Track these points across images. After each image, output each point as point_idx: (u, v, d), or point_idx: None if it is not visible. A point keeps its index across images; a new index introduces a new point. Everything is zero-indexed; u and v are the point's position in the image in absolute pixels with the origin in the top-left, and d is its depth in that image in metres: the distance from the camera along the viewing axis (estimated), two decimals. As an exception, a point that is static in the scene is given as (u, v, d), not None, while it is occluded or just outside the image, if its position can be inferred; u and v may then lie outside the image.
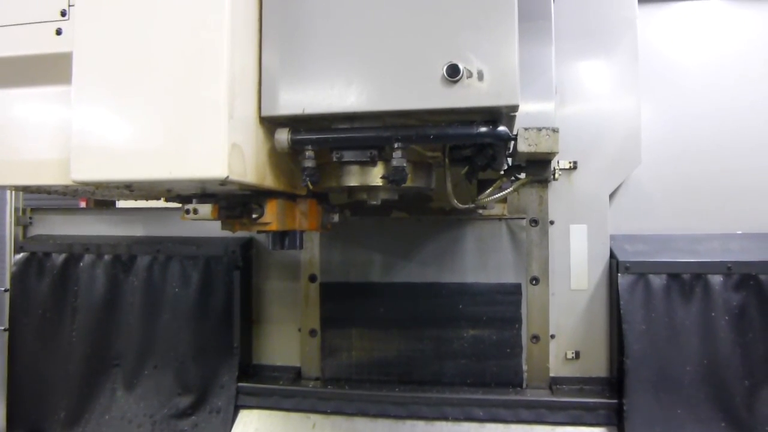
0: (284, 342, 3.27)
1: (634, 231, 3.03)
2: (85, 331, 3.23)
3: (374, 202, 2.14)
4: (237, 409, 3.04)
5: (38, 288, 3.30)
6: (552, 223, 3.00)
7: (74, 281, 3.28)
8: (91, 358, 3.21)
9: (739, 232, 2.95)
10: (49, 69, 1.90)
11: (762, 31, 3.01)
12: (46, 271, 3.30)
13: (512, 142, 2.00)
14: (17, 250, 3.37)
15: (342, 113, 1.77)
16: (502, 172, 2.33)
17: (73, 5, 1.86)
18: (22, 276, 3.31)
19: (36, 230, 3.57)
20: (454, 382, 3.02)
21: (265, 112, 1.81)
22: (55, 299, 3.28)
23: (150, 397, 3.13)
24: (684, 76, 3.06)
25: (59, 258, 3.30)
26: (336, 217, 2.56)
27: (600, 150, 2.96)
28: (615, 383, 2.87)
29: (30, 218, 3.58)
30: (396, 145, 1.81)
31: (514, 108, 1.72)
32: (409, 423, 2.87)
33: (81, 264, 3.28)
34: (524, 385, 2.98)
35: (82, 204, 4.60)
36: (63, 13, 1.89)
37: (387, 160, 1.90)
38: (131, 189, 1.92)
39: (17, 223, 3.53)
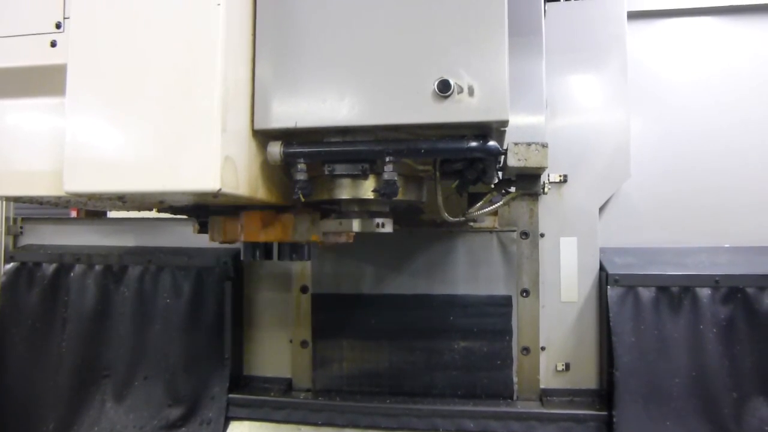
0: (275, 353, 3.27)
1: (623, 244, 3.06)
2: (75, 341, 3.22)
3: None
4: (227, 420, 3.03)
5: (28, 298, 3.28)
6: (542, 235, 3.02)
7: (65, 291, 3.27)
8: (81, 368, 3.20)
9: (727, 245, 2.98)
10: (44, 80, 1.91)
11: (750, 48, 3.05)
12: (36, 281, 3.29)
13: (502, 157, 2.02)
14: (7, 260, 3.36)
15: (334, 127, 1.79)
16: (492, 186, 2.34)
17: (68, 18, 1.88)
18: (11, 286, 3.30)
19: (26, 240, 3.56)
20: (444, 394, 3.02)
21: (258, 125, 1.82)
22: (45, 309, 3.26)
23: (140, 408, 3.11)
24: (673, 92, 3.10)
25: (50, 268, 3.29)
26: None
27: (590, 164, 2.99)
28: (605, 395, 2.88)
29: (21, 228, 3.58)
30: (387, 159, 1.82)
31: (504, 123, 1.74)
32: (399, 434, 2.87)
33: (71, 274, 3.27)
34: (515, 397, 2.99)
35: (73, 214, 4.58)
36: (58, 26, 1.91)
37: (378, 174, 1.91)
38: (124, 200, 1.93)
39: (7, 232, 3.53)
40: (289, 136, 1.86)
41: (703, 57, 3.09)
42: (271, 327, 3.29)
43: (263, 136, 1.87)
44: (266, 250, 2.41)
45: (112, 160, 1.70)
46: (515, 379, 3.00)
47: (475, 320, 3.02)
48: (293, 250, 2.39)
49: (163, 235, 3.39)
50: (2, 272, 3.34)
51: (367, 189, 1.98)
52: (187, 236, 3.27)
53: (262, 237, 2.20)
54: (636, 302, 2.77)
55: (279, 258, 2.41)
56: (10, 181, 1.98)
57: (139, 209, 2.72)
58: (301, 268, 3.19)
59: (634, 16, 3.05)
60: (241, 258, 2.40)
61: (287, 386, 3.20)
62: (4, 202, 3.47)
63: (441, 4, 1.72)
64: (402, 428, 2.87)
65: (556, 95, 3.00)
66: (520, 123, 2.56)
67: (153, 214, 3.02)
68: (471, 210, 2.46)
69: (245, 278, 3.30)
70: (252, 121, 1.82)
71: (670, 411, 2.68)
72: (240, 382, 3.23)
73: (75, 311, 3.24)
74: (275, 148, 1.85)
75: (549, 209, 3.02)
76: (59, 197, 1.94)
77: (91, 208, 3.19)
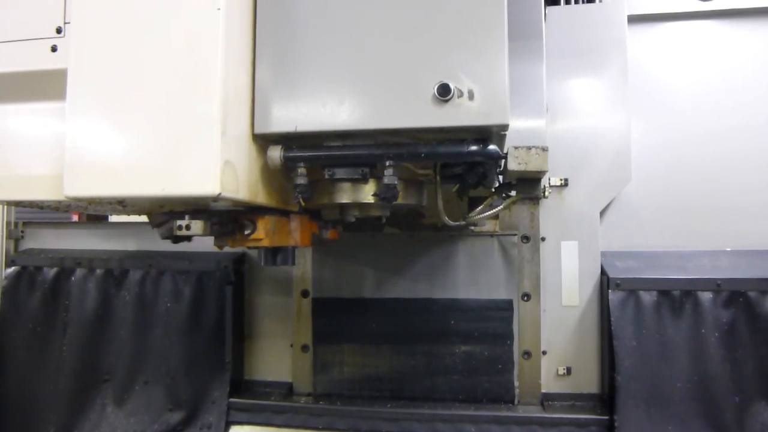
0: (276, 357, 3.27)
1: (624, 248, 3.05)
2: (75, 345, 3.21)
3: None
4: (228, 425, 3.03)
5: (29, 302, 3.28)
6: (543, 239, 3.02)
7: (65, 295, 3.27)
8: (82, 373, 3.19)
9: (728, 249, 2.98)
10: (44, 85, 1.91)
11: (751, 51, 3.06)
12: (37, 286, 3.29)
13: (503, 161, 2.02)
14: (8, 264, 3.36)
15: (334, 131, 1.79)
16: (493, 190, 2.34)
17: (68, 23, 1.88)
18: (12, 290, 3.30)
19: (27, 244, 3.56)
20: (445, 398, 3.01)
21: (258, 130, 1.82)
22: (46, 313, 3.26)
23: (140, 413, 3.11)
24: (674, 96, 3.10)
25: (50, 272, 3.29)
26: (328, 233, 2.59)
27: (590, 167, 2.98)
28: (606, 399, 2.88)
29: (22, 232, 3.58)
30: (387, 163, 1.82)
31: (504, 127, 1.74)
32: (400, 439, 2.86)
33: (72, 278, 3.27)
34: (516, 401, 2.98)
35: (75, 218, 4.58)
36: (58, 30, 1.91)
37: (379, 178, 1.91)
38: (124, 204, 1.92)
39: (9, 236, 3.53)
40: (289, 140, 1.86)
41: (704, 60, 3.10)
42: (271, 331, 3.29)
43: (263, 141, 1.87)
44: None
45: (112, 165, 1.69)
46: (516, 384, 2.99)
47: (476, 324, 3.01)
48: (278, 253, 2.35)
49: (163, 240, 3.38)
50: (3, 276, 3.34)
51: (368, 193, 1.99)
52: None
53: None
54: (637, 306, 2.76)
55: (264, 263, 2.37)
56: (11, 185, 1.97)
57: (140, 214, 2.71)
58: (302, 273, 3.19)
59: (634, 19, 3.06)
60: (262, 263, 2.35)
61: (288, 391, 3.20)
62: (5, 206, 3.48)
63: (441, 8, 1.72)
64: (403, 432, 2.86)
65: (556, 99, 3.00)
66: (521, 127, 2.56)
67: (154, 218, 3.01)
68: (471, 214, 2.45)
69: (246, 282, 3.30)
70: (252, 125, 1.82)
71: (672, 415, 2.67)
72: (241, 386, 3.22)
73: (76, 315, 3.24)
74: (275, 152, 1.85)
75: (550, 213, 3.02)
76: (59, 202, 1.94)
77: (92, 213, 3.19)
